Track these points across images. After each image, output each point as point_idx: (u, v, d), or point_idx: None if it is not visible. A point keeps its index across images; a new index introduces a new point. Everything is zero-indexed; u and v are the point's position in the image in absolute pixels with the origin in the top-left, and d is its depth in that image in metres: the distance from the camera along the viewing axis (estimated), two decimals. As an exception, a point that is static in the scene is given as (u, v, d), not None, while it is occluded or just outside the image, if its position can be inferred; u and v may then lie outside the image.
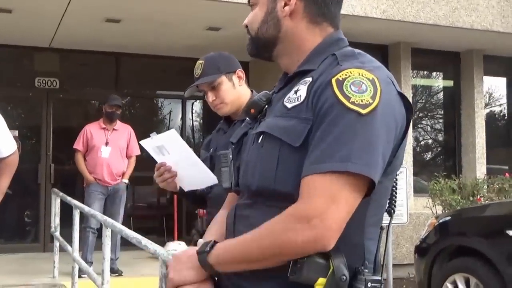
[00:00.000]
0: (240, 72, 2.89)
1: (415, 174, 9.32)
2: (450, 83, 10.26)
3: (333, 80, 1.44)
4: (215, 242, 1.53)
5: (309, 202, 1.38)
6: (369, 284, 1.42)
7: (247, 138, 1.72)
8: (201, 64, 2.85)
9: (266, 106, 1.68)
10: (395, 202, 1.65)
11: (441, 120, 10.50)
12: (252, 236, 1.45)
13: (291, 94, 1.55)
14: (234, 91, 2.85)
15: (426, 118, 10.41)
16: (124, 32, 8.38)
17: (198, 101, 10.40)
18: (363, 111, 1.39)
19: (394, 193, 1.63)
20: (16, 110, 9.79)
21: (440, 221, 5.37)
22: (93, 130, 7.33)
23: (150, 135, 2.69)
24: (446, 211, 7.19)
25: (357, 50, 1.58)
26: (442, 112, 10.49)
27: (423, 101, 10.41)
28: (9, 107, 9.52)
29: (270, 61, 1.74)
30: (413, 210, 8.22)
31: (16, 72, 9.30)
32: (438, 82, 10.60)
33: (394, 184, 1.62)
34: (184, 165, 2.76)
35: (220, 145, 2.87)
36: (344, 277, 1.38)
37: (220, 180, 2.74)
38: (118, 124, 7.47)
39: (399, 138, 1.50)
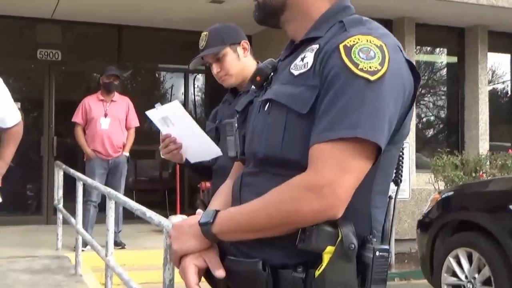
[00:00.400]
0: (245, 43, 2.87)
1: (417, 150, 9.32)
2: (454, 59, 10.21)
3: (341, 46, 1.42)
4: (217, 212, 1.51)
5: (319, 171, 1.37)
6: (377, 253, 1.41)
7: (252, 106, 1.71)
8: (206, 35, 2.83)
9: (272, 73, 1.66)
10: (402, 172, 1.64)
11: (443, 97, 10.47)
12: (259, 204, 1.44)
13: (298, 61, 1.53)
14: (239, 63, 2.84)
15: (429, 95, 10.38)
16: (126, 4, 8.34)
17: (200, 74, 10.37)
18: (372, 78, 1.38)
19: (400, 162, 1.62)
20: (18, 82, 9.78)
21: (443, 196, 5.37)
22: (92, 102, 7.28)
23: (155, 105, 2.69)
24: (449, 187, 7.20)
25: (364, 17, 1.56)
26: (445, 89, 10.46)
27: (426, 77, 10.36)
28: (11, 79, 9.49)
29: (277, 27, 1.71)
30: (415, 186, 8.24)
31: (18, 43, 9.26)
32: (442, 58, 10.54)
33: (401, 154, 1.61)
34: (188, 137, 2.76)
35: (225, 116, 2.85)
36: (353, 246, 1.38)
37: (224, 151, 2.76)
38: (116, 95, 7.42)
39: (407, 106, 1.49)
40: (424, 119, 10.39)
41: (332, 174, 1.36)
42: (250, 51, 2.90)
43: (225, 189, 1.76)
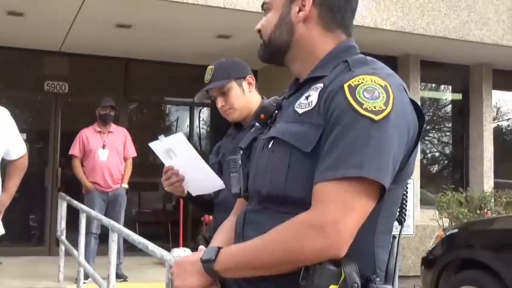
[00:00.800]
0: (251, 78, 2.89)
1: (422, 186, 9.28)
2: (458, 96, 10.24)
3: (346, 86, 1.44)
4: (219, 249, 1.51)
5: (322, 209, 1.37)
6: None
7: (256, 143, 1.71)
8: (212, 69, 2.85)
9: (276, 111, 1.68)
10: (406, 210, 1.64)
11: (448, 133, 10.47)
12: (262, 242, 1.44)
13: (302, 100, 1.55)
14: (244, 97, 2.85)
15: (434, 131, 10.38)
16: (134, 38, 8.40)
17: (206, 108, 10.41)
18: (376, 118, 1.39)
19: (404, 201, 1.62)
20: (25, 113, 9.82)
21: (448, 233, 5.33)
22: (89, 134, 7.29)
23: (158, 137, 2.68)
24: (453, 224, 7.15)
25: (369, 57, 1.57)
26: (450, 125, 10.46)
27: (431, 113, 10.38)
28: (18, 110, 9.54)
29: (281, 66, 1.73)
30: (419, 222, 8.17)
31: (25, 75, 9.32)
32: (447, 95, 10.57)
33: (405, 192, 1.61)
34: (191, 169, 2.75)
35: (228, 151, 2.86)
36: (356, 285, 1.37)
37: (227, 185, 2.75)
38: (113, 126, 7.45)
39: (411, 145, 1.49)
40: (429, 155, 10.37)
41: (336, 213, 1.36)
42: (255, 86, 2.91)
43: (228, 225, 1.76)
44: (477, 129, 9.76)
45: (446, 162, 10.66)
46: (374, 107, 1.39)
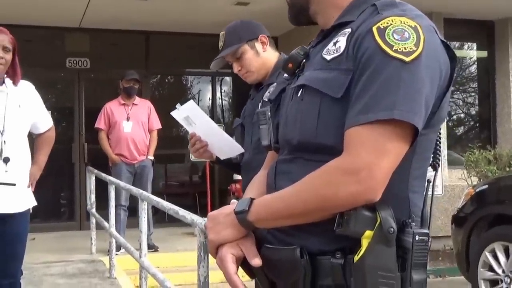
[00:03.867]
0: (263, 37, 2.84)
1: (448, 147, 9.20)
2: (484, 53, 10.07)
3: (374, 28, 1.40)
4: (252, 199, 1.50)
5: (355, 154, 1.35)
6: (417, 237, 1.39)
7: (285, 94, 1.69)
8: (223, 35, 2.83)
9: (304, 60, 1.65)
10: (440, 155, 1.61)
11: (473, 94, 10.34)
12: (295, 190, 1.42)
13: (330, 46, 1.51)
14: (258, 58, 2.81)
15: (459, 92, 10.24)
16: (152, 9, 8.39)
17: (227, 77, 10.38)
18: (407, 59, 1.35)
19: (438, 146, 1.59)
20: (48, 91, 9.89)
21: (477, 190, 5.29)
22: (113, 107, 7.35)
23: (176, 106, 2.73)
24: (483, 181, 7.10)
25: (397, 0, 1.53)
26: (476, 85, 10.32)
27: (455, 74, 10.20)
28: (41, 88, 9.55)
29: (310, 24, 1.69)
30: (447, 182, 8.13)
31: (47, 53, 9.39)
32: (472, 53, 10.40)
33: (438, 137, 1.58)
34: (210, 135, 2.83)
35: (248, 111, 2.89)
36: (392, 229, 1.35)
37: (247, 148, 2.77)
38: (137, 99, 7.49)
39: (444, 88, 1.46)
40: (455, 116, 10.25)
41: (369, 157, 1.33)
42: (270, 44, 2.86)
43: (259, 179, 1.75)
44: (503, 85, 9.61)
45: (472, 122, 10.54)
46: (405, 48, 1.36)
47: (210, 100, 10.47)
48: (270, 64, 2.82)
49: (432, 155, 1.56)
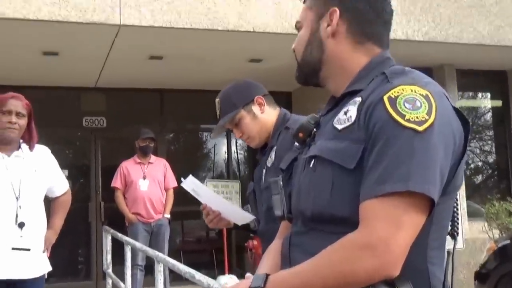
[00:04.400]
0: (259, 98, 2.73)
1: (467, 197, 9.07)
2: (498, 103, 10.04)
3: (385, 98, 1.39)
4: (267, 275, 1.46)
5: (372, 228, 1.32)
6: None
7: (297, 163, 1.67)
8: (218, 103, 2.76)
9: (315, 129, 1.64)
10: (458, 223, 1.57)
11: (490, 142, 10.25)
12: (311, 266, 1.39)
13: (341, 115, 1.50)
14: (257, 121, 2.72)
15: (475, 140, 10.17)
16: (167, 68, 8.49)
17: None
18: (420, 128, 1.33)
19: (456, 214, 1.55)
20: (65, 150, 9.97)
21: (500, 245, 5.19)
22: (129, 166, 7.37)
23: (182, 179, 2.71)
24: (504, 235, 6.96)
25: (406, 68, 1.53)
26: (492, 133, 10.24)
27: (471, 122, 10.08)
28: (58, 147, 9.68)
29: (317, 86, 1.69)
30: (468, 235, 7.97)
31: (64, 112, 9.48)
32: (486, 102, 10.37)
33: (455, 204, 1.54)
34: (218, 205, 2.78)
35: (256, 177, 2.81)
36: None
37: (259, 216, 2.72)
38: (153, 157, 7.52)
39: (458, 155, 1.43)
40: (472, 165, 10.15)
41: (386, 231, 1.30)
42: (267, 103, 2.76)
43: (274, 249, 1.72)
44: (520, 135, 9.55)
45: (490, 171, 10.42)
46: (417, 118, 1.34)
47: (226, 154, 10.48)
48: (270, 125, 2.73)
49: (450, 223, 1.52)
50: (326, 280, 1.35)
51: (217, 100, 2.78)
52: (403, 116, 1.35)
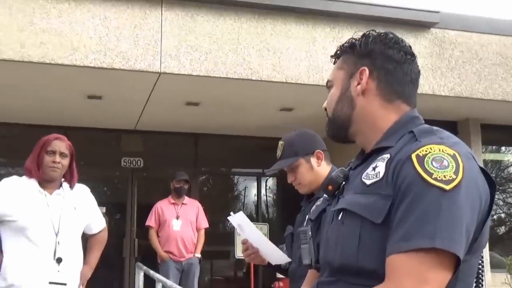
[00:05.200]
0: (319, 153, 2.81)
1: (490, 249, 8.86)
2: (521, 156, 9.89)
3: (413, 156, 1.38)
4: None
5: (398, 283, 1.29)
6: None
7: (326, 214, 1.67)
8: (282, 145, 2.83)
9: (344, 182, 1.63)
10: (483, 281, 1.53)
11: (513, 194, 10.06)
12: None
13: (370, 171, 1.49)
14: (312, 173, 2.79)
15: (498, 192, 9.98)
16: (202, 114, 8.57)
17: (272, 178, 10.40)
18: (447, 187, 1.32)
19: (480, 271, 1.51)
20: (104, 187, 10.07)
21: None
22: (164, 206, 7.42)
23: (230, 213, 2.76)
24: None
25: (434, 127, 1.52)
26: (515, 185, 10.06)
27: (494, 174, 10.01)
28: (97, 185, 9.79)
29: (347, 142, 1.68)
30: (491, 287, 7.77)
31: (104, 153, 9.61)
32: (509, 156, 10.21)
33: (481, 262, 1.50)
34: (260, 243, 2.81)
35: (298, 222, 2.86)
36: None
37: (295, 257, 2.72)
38: (187, 199, 7.55)
39: (484, 214, 1.40)
40: (495, 217, 9.95)
41: (411, 286, 1.28)
42: (325, 158, 2.84)
43: None
44: (543, 189, 9.35)
45: (512, 222, 10.20)
46: (444, 177, 1.33)
47: (256, 197, 10.46)
48: (322, 178, 2.76)
49: (475, 281, 1.49)
50: None
51: (280, 142, 2.85)
52: (430, 175, 1.33)
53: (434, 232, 1.29)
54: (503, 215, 10.13)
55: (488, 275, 7.94)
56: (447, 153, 1.37)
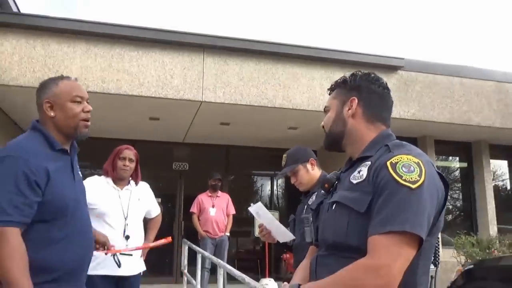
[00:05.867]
0: (313, 160, 2.87)
1: (441, 231, 8.69)
2: (464, 164, 9.73)
3: (388, 163, 1.37)
4: (299, 285, 1.42)
5: (377, 256, 1.27)
6: None
7: (323, 205, 1.64)
8: (285, 157, 2.89)
9: (336, 182, 1.61)
10: (439, 255, 1.52)
11: (458, 191, 9.88)
12: (331, 281, 1.34)
13: (356, 173, 1.48)
14: (308, 174, 2.84)
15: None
16: (232, 131, 8.58)
17: (281, 179, 10.32)
18: (413, 186, 1.30)
19: (437, 248, 1.51)
20: (160, 184, 10.07)
21: (465, 268, 4.89)
22: (203, 198, 7.38)
23: (251, 204, 2.77)
24: (469, 261, 6.61)
25: (404, 142, 1.50)
26: (459, 185, 9.89)
27: (445, 176, 9.82)
28: (155, 182, 9.78)
29: (340, 151, 1.66)
30: (442, 258, 7.63)
31: (160, 159, 9.64)
32: (455, 163, 10.06)
33: (437, 242, 1.47)
34: (273, 226, 2.78)
35: (298, 211, 2.86)
36: None
37: (297, 236, 2.71)
38: (220, 192, 7.50)
39: (441, 206, 1.40)
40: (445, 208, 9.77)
41: (388, 258, 1.26)
42: (316, 164, 2.88)
43: (304, 266, 1.67)
44: (480, 188, 9.19)
45: (457, 212, 10.01)
46: (411, 178, 1.31)
47: (270, 192, 10.41)
48: (315, 178, 2.82)
49: (433, 255, 1.46)
50: None
51: (284, 155, 2.90)
52: (401, 177, 1.32)
53: (405, 219, 1.27)
54: (450, 207, 9.97)
55: (441, 250, 7.81)
56: (413, 161, 1.35)
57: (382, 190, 1.33)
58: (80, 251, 2.01)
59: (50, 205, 1.88)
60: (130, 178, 3.60)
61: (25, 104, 6.78)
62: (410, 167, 1.33)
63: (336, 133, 1.62)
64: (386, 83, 1.62)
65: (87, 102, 2.08)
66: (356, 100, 1.58)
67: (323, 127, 1.68)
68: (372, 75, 1.61)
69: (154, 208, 3.86)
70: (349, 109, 1.58)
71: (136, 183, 3.64)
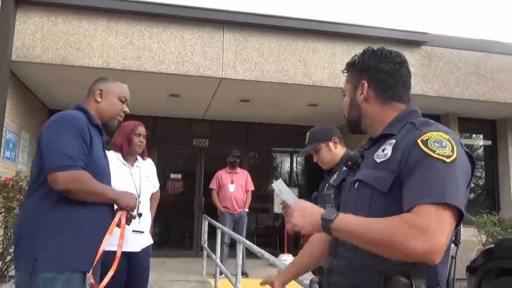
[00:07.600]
0: (335, 139, 2.85)
1: (462, 210, 8.61)
2: (488, 142, 9.55)
3: (419, 141, 1.34)
4: (338, 213, 1.35)
5: (425, 218, 1.20)
6: None
7: (345, 183, 1.64)
8: (308, 136, 2.88)
9: (360, 160, 1.60)
10: (460, 235, 1.49)
11: (481, 169, 9.73)
12: (375, 225, 1.26)
13: (380, 152, 1.47)
14: (330, 153, 2.83)
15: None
16: (251, 108, 8.56)
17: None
18: (447, 160, 1.29)
19: (459, 228, 1.47)
20: (180, 160, 10.17)
21: (486, 247, 4.88)
22: (222, 174, 7.43)
23: (273, 180, 2.77)
24: (490, 240, 6.56)
25: (430, 120, 1.47)
26: (483, 163, 9.73)
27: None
28: (175, 159, 9.91)
29: (361, 133, 1.65)
30: (462, 237, 7.54)
31: (180, 135, 9.71)
32: (479, 141, 9.88)
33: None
34: (293, 202, 2.77)
35: (321, 188, 2.85)
36: None
37: None
38: (239, 169, 7.54)
39: (468, 183, 1.38)
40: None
41: (436, 224, 1.19)
42: (340, 143, 2.86)
43: (321, 236, 1.74)
44: (504, 166, 9.03)
45: (480, 191, 9.88)
46: (444, 153, 1.29)
47: (289, 169, 10.43)
48: (339, 157, 2.81)
49: (454, 235, 1.45)
50: (378, 239, 1.23)
51: (308, 133, 2.89)
52: (434, 151, 1.30)
53: (444, 191, 1.23)
54: (473, 185, 9.83)
55: (461, 228, 7.75)
56: (444, 137, 1.34)
57: (416, 167, 1.29)
58: (104, 219, 2.33)
59: (90, 165, 2.24)
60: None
61: (47, 80, 6.87)
62: (442, 143, 1.31)
63: (353, 119, 1.61)
64: (400, 56, 1.57)
65: (127, 106, 2.58)
66: (366, 84, 1.55)
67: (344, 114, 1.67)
68: (380, 52, 1.56)
69: (156, 185, 3.89)
70: (361, 93, 1.56)
71: (144, 159, 3.64)
